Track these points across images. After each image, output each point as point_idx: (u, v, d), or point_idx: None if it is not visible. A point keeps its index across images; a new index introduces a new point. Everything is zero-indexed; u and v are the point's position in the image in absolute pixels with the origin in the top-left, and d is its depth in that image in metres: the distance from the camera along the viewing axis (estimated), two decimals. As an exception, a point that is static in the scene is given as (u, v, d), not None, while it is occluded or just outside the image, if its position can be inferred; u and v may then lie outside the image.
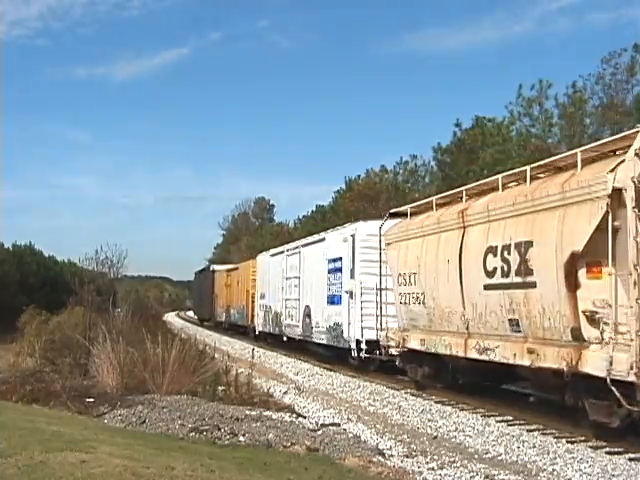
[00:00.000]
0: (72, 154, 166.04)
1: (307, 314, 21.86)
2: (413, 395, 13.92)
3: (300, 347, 24.06)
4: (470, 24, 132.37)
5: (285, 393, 14.03)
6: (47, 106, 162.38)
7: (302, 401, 13.12)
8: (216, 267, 48.26)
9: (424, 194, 36.38)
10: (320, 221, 47.44)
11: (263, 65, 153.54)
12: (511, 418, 11.23)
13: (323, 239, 21.17)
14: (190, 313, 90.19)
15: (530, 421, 10.86)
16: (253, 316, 31.87)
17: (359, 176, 46.06)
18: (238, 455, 7.42)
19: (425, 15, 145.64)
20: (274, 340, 27.83)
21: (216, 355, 16.86)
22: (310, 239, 23.28)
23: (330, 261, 19.77)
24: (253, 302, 31.87)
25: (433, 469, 7.92)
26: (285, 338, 25.29)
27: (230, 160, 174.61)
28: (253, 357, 17.76)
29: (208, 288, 47.42)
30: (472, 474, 7.71)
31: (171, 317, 64.20)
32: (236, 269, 38.72)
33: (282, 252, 26.62)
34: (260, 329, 30.10)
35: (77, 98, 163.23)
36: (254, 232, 66.77)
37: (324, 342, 20.16)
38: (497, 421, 11.09)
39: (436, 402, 12.99)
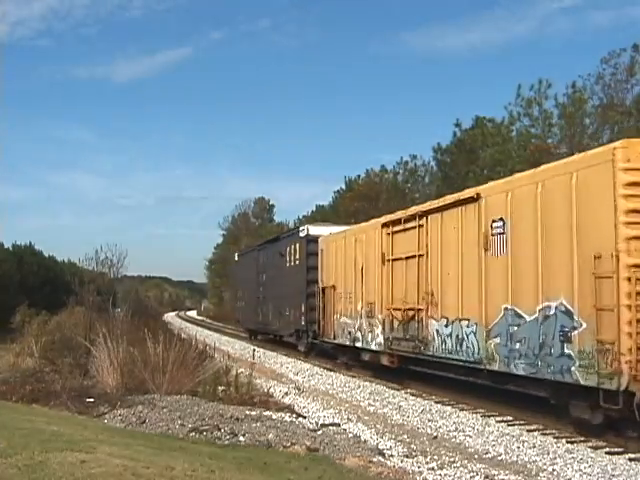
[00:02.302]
0: (73, 154, 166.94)
1: None
2: (413, 395, 13.91)
3: None
4: (471, 23, 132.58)
5: (285, 393, 14.03)
6: (48, 106, 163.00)
7: (302, 401, 13.12)
8: (321, 229, 22.51)
9: (424, 194, 36.49)
10: (320, 221, 47.37)
11: (264, 65, 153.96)
12: (511, 418, 11.23)
13: None
14: (191, 313, 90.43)
15: (530, 421, 10.87)
16: None
17: (359, 176, 46.08)
18: (238, 455, 7.42)
19: (425, 14, 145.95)
20: None
21: (216, 355, 16.87)
22: None
23: None
24: None
25: (433, 469, 7.92)
26: None
27: (230, 160, 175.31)
28: (254, 357, 17.81)
29: (289, 277, 24.31)
30: (472, 474, 7.71)
31: (171, 317, 64.20)
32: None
33: None
34: None
35: (78, 98, 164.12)
36: (254, 232, 66.66)
37: None
38: (497, 421, 11.09)
39: (436, 402, 12.98)
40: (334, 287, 19.02)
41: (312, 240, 21.85)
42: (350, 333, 17.67)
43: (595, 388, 8.97)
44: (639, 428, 8.77)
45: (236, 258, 38.34)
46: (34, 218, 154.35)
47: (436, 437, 9.94)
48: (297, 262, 23.54)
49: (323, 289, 19.89)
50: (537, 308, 10.18)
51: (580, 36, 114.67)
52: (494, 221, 11.38)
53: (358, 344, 17.20)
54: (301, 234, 23.24)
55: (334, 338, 18.99)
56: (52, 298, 30.76)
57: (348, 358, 18.51)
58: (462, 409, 12.18)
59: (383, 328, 15.53)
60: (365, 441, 9.36)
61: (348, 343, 17.87)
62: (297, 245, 23.68)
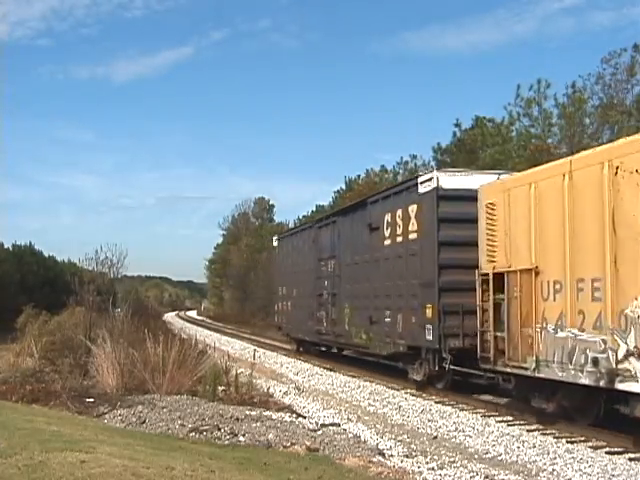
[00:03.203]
0: (73, 154, 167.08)
1: None
2: (413, 395, 13.90)
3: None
4: (471, 23, 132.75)
5: (285, 393, 14.03)
6: (48, 106, 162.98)
7: (302, 401, 13.12)
8: (463, 178, 13.39)
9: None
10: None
11: (264, 65, 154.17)
12: (511, 418, 11.22)
13: None
14: (191, 313, 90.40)
15: (530, 421, 10.86)
16: None
17: (359, 176, 46.07)
18: (238, 455, 7.42)
19: (426, 14, 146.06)
20: None
21: (216, 355, 16.86)
22: None
23: None
24: None
25: (433, 469, 7.92)
26: None
27: (231, 160, 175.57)
28: (254, 357, 17.80)
29: (390, 261, 15.52)
30: (472, 474, 7.71)
31: (171, 317, 64.17)
32: None
33: None
34: None
35: (78, 98, 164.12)
36: (254, 232, 66.68)
37: None
38: (497, 421, 11.08)
39: (436, 402, 12.97)
40: (535, 271, 10.36)
41: (447, 197, 13.31)
42: (595, 361, 9.07)
43: None
44: None
45: (275, 243, 28.73)
46: (34, 218, 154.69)
47: (436, 437, 9.94)
48: (413, 236, 14.36)
49: (497, 276, 11.32)
50: None
51: (580, 36, 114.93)
52: None
53: (625, 385, 8.64)
54: (423, 189, 13.74)
55: (536, 369, 10.23)
56: (52, 298, 30.75)
57: (573, 406, 10.25)
58: (462, 409, 12.16)
59: None
60: (365, 441, 9.36)
61: (587, 382, 9.27)
62: (411, 208, 14.39)
